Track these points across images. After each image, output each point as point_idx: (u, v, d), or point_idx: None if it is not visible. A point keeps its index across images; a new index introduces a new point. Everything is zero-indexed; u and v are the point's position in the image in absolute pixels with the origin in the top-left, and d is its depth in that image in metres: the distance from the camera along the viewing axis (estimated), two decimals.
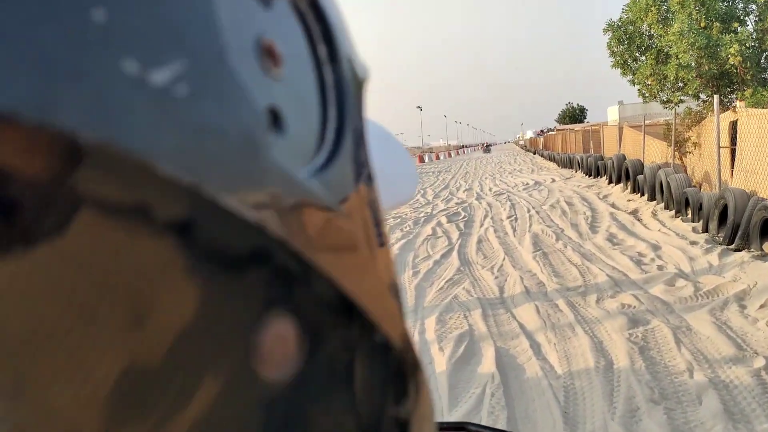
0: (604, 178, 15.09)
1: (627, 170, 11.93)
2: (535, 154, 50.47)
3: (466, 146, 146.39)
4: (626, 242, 7.56)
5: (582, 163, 19.02)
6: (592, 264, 6.50)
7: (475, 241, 8.62)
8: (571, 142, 26.29)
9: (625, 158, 13.06)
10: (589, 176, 17.29)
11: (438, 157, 60.61)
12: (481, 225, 10.11)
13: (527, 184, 18.08)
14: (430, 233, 9.62)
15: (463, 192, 17.27)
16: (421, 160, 54.07)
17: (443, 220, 10.99)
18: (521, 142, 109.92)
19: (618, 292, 5.35)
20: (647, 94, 10.23)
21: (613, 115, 32.58)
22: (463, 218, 11.04)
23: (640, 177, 10.93)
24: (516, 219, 10.40)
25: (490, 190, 17.38)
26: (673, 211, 8.70)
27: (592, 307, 5.01)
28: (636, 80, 10.46)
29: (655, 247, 7.02)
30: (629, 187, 11.73)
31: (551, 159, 29.99)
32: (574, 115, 75.34)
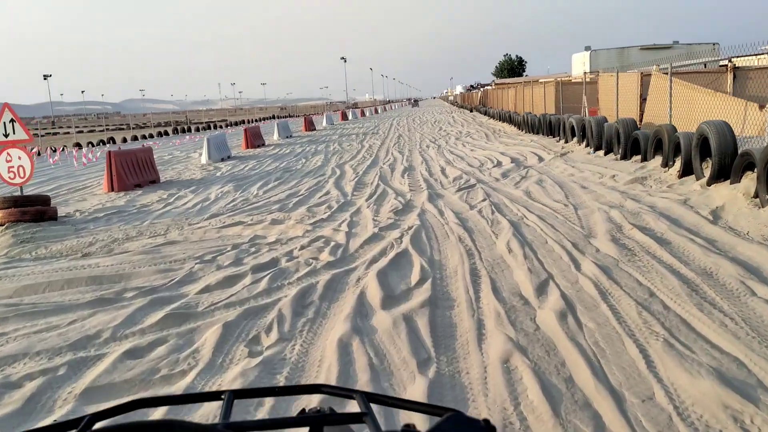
0: (655, 160, 8.63)
1: (746, 157, 5.45)
2: (472, 111, 44.15)
3: (393, 101, 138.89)
4: None
5: (580, 130, 12.60)
6: None
7: None
8: (537, 98, 19.91)
9: (728, 127, 6.63)
10: (603, 151, 10.88)
11: (363, 114, 53.27)
12: (478, 346, 3.46)
13: (499, 162, 11.57)
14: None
15: (403, 177, 10.55)
16: (344, 117, 46.55)
17: (381, 317, 4.26)
18: (450, 98, 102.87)
19: None
20: None
21: (579, 64, 26.41)
22: (427, 301, 4.34)
23: None
24: (581, 325, 3.80)
25: (444, 172, 10.76)
26: None
27: None
28: None
29: None
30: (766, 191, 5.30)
31: (506, 119, 23.60)
32: (513, 68, 69.08)
